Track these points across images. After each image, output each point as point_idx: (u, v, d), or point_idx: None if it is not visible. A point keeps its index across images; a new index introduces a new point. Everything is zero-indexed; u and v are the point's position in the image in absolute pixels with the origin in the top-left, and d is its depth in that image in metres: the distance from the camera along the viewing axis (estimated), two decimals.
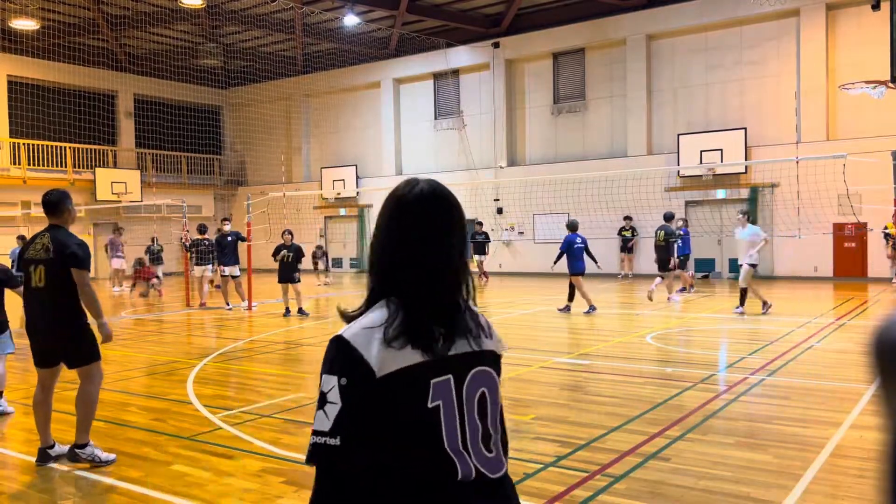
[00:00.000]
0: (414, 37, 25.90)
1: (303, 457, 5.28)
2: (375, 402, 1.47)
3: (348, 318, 1.61)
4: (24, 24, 22.99)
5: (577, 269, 13.57)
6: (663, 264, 15.05)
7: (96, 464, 5.17)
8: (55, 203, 5.22)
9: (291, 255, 14.39)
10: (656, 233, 15.33)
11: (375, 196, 27.69)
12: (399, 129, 28.26)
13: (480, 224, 23.27)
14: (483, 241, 22.59)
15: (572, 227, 13.82)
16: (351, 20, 23.59)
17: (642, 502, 4.27)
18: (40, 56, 24.26)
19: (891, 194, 18.13)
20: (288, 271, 14.36)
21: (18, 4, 21.70)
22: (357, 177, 28.46)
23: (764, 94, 21.10)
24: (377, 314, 1.54)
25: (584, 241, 13.71)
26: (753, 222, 12.87)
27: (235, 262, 15.68)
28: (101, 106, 27.00)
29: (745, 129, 20.92)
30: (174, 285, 21.88)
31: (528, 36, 24.86)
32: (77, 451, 5.19)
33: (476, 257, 22.61)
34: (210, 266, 16.56)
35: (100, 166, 26.54)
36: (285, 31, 25.91)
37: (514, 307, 14.82)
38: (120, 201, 26.07)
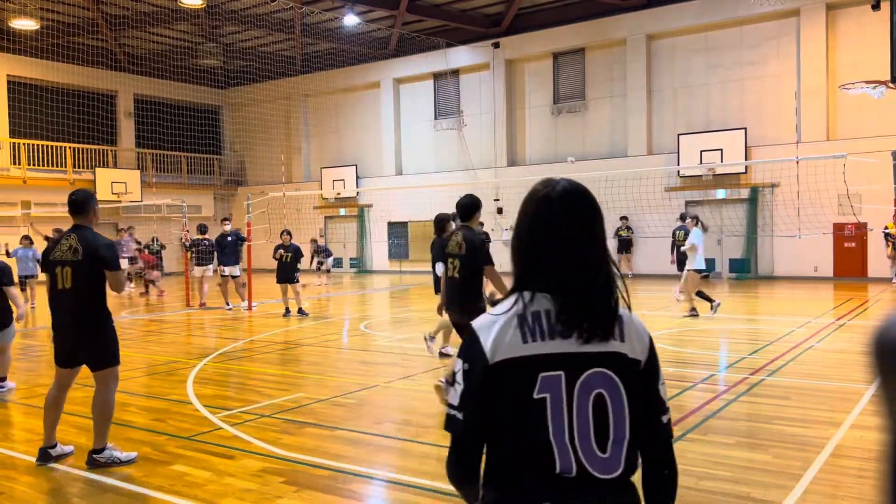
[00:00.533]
0: (414, 37, 25.90)
1: (303, 457, 5.32)
2: (490, 387, 1.60)
3: (492, 305, 1.72)
4: (24, 24, 22.99)
5: None
6: (683, 264, 14.91)
7: (117, 464, 5.14)
8: (81, 203, 5.20)
9: (290, 255, 14.39)
10: (675, 233, 15.25)
11: (375, 196, 27.71)
12: (399, 129, 28.25)
13: (481, 224, 23.27)
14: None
15: None
16: (351, 20, 23.59)
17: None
18: (40, 56, 24.25)
19: (891, 194, 18.14)
20: (286, 271, 14.36)
21: (18, 4, 21.70)
22: (357, 177, 28.46)
23: (764, 94, 21.11)
24: (506, 304, 1.66)
25: None
26: (697, 228, 12.89)
27: (236, 262, 15.68)
28: (100, 106, 27.00)
29: (745, 129, 20.92)
30: (174, 285, 21.87)
31: (528, 36, 24.86)
32: (95, 456, 5.17)
33: None
34: (210, 266, 16.56)
35: (100, 166, 26.53)
36: (285, 30, 25.91)
37: None
38: (120, 201, 26.07)
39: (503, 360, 1.58)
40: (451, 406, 1.66)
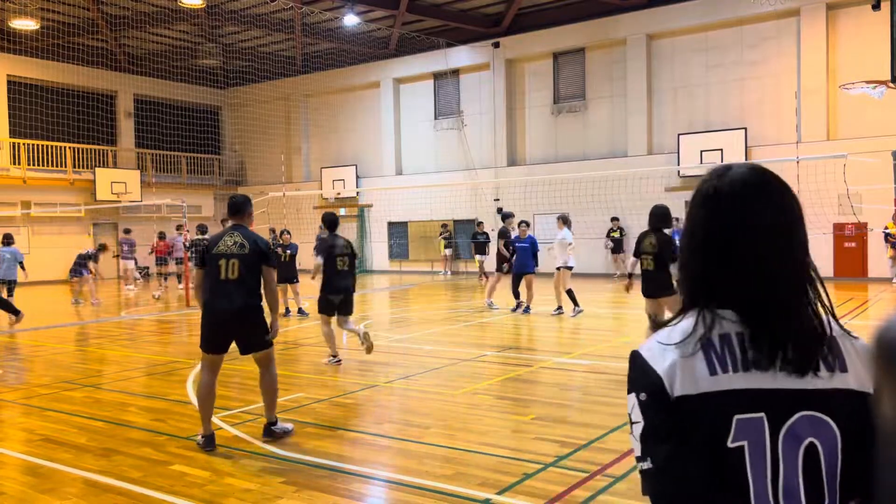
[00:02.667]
0: (414, 37, 25.90)
1: (303, 456, 5.31)
2: (677, 426, 1.26)
3: (658, 327, 1.40)
4: (24, 24, 22.99)
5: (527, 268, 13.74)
6: None
7: (288, 435, 5.73)
8: (241, 205, 5.81)
9: (290, 254, 14.38)
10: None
11: (375, 196, 27.71)
12: (399, 128, 28.25)
13: (481, 224, 23.28)
14: (484, 241, 22.60)
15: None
16: (351, 20, 23.58)
17: (642, 502, 4.26)
18: (40, 56, 24.24)
19: (891, 194, 18.14)
20: (286, 271, 14.34)
21: (18, 4, 21.69)
22: (357, 177, 28.46)
23: (764, 94, 21.11)
24: (683, 325, 1.33)
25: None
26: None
27: None
28: (100, 106, 26.99)
29: (745, 129, 20.92)
30: (173, 285, 21.85)
31: (528, 36, 24.86)
32: (272, 428, 5.74)
33: (477, 257, 22.62)
34: None
35: (100, 166, 26.53)
36: (285, 31, 25.91)
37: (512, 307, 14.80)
38: (120, 201, 26.07)
39: (683, 395, 1.26)
40: (637, 459, 1.30)
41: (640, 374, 1.31)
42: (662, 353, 1.30)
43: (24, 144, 24.79)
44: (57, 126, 25.65)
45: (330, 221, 8.83)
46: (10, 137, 24.98)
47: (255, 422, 6.29)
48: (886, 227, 18.43)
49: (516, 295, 14.01)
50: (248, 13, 24.34)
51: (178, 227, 16.61)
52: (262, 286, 5.72)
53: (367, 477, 4.92)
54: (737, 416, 1.24)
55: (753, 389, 1.25)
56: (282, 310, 14.53)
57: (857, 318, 12.23)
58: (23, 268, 14.88)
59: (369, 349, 8.88)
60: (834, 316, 1.34)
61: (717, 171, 1.37)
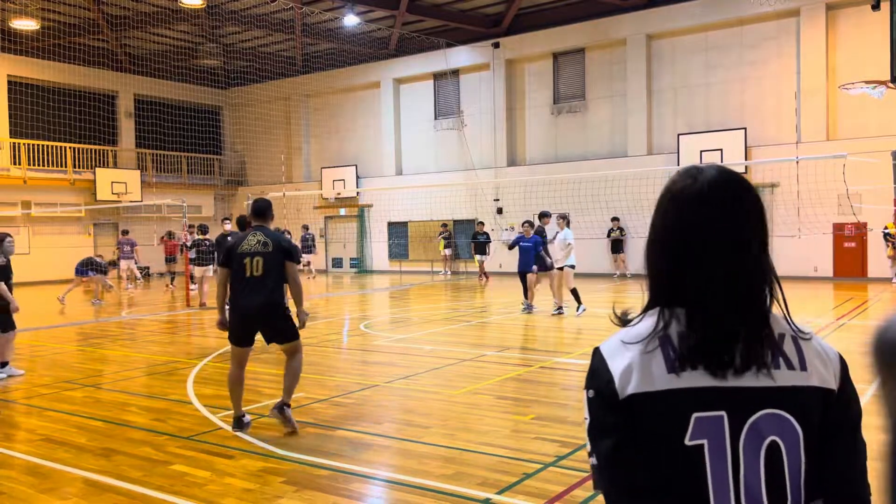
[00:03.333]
0: (414, 37, 25.90)
1: (303, 456, 5.31)
2: (622, 424, 1.26)
3: (621, 322, 1.40)
4: (24, 24, 22.99)
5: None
6: None
7: (289, 426, 5.92)
8: (264, 209, 6.22)
9: None
10: None
11: (375, 196, 27.71)
12: (399, 129, 28.25)
13: (482, 224, 23.28)
14: (484, 241, 22.61)
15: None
16: (351, 20, 23.59)
17: None
18: (40, 56, 24.25)
19: (891, 194, 18.14)
20: None
21: (18, 4, 21.70)
22: (357, 177, 28.46)
23: (764, 94, 21.11)
24: (643, 324, 1.32)
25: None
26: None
27: None
28: (101, 106, 27.00)
29: (745, 129, 20.92)
30: (174, 285, 21.86)
31: (528, 36, 24.86)
32: (286, 408, 5.96)
33: (477, 257, 22.63)
34: (211, 266, 16.56)
35: (100, 166, 26.54)
36: (285, 31, 25.91)
37: (514, 307, 14.82)
38: (120, 201, 26.08)
39: (636, 393, 1.25)
40: (588, 454, 1.32)
41: (593, 372, 1.31)
42: (621, 351, 1.29)
43: (24, 144, 24.80)
44: (57, 126, 25.66)
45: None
46: (11, 137, 24.99)
47: (255, 422, 6.29)
48: (886, 227, 18.43)
49: (526, 294, 14.04)
50: (248, 13, 24.34)
51: (191, 227, 16.48)
52: (288, 281, 6.04)
53: (367, 477, 4.92)
54: (695, 415, 1.22)
55: (713, 388, 1.24)
56: None
57: (857, 318, 12.23)
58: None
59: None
60: (789, 315, 1.34)
61: (689, 171, 1.37)
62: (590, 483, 4.57)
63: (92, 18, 23.73)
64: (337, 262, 29.44)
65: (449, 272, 25.72)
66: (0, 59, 24.82)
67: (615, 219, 21.95)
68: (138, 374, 8.79)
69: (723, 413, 1.23)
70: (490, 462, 5.06)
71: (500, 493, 4.47)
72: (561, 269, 13.31)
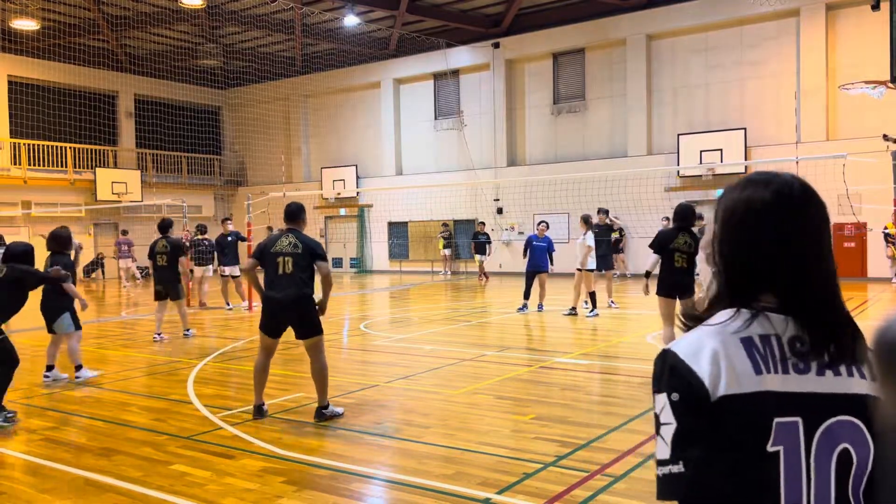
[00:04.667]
0: (414, 37, 25.91)
1: (303, 456, 5.31)
2: (710, 427, 1.22)
3: (690, 321, 1.36)
4: (25, 25, 22.99)
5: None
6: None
7: (337, 417, 6.33)
8: (296, 212, 6.61)
9: None
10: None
11: (375, 196, 27.71)
12: (399, 129, 28.26)
13: (483, 224, 23.28)
14: (485, 241, 22.60)
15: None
16: (351, 20, 23.59)
17: (642, 502, 4.28)
18: (40, 56, 24.25)
19: (891, 194, 18.14)
20: None
21: (19, 4, 21.70)
22: (357, 177, 28.47)
23: (764, 94, 21.11)
24: (722, 322, 1.30)
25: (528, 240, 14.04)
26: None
27: (235, 262, 15.69)
28: (101, 106, 27.00)
29: (745, 129, 20.93)
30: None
31: (528, 36, 24.87)
32: (323, 411, 6.34)
33: (477, 257, 22.63)
34: (210, 266, 16.58)
35: (100, 166, 26.54)
36: (285, 31, 25.91)
37: (514, 307, 14.81)
38: (120, 201, 26.08)
39: (728, 395, 1.21)
40: (661, 463, 1.24)
41: (673, 373, 1.26)
42: (702, 351, 1.25)
43: (24, 144, 24.80)
44: (57, 126, 25.66)
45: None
46: (11, 138, 25.00)
47: (256, 422, 6.30)
48: (886, 227, 18.43)
49: (527, 295, 14.03)
50: (248, 13, 24.35)
51: (201, 228, 16.44)
52: (319, 279, 6.52)
53: (367, 477, 4.92)
54: (776, 420, 1.20)
55: (791, 392, 1.22)
56: None
57: (856, 318, 12.20)
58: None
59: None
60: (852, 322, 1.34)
61: (765, 177, 1.36)
62: (590, 483, 4.58)
63: (92, 18, 23.73)
64: (337, 262, 29.43)
65: (449, 272, 25.72)
66: (0, 59, 24.83)
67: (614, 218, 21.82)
68: (139, 374, 8.80)
69: (798, 419, 1.22)
70: (490, 462, 5.06)
71: (500, 492, 4.47)
72: (579, 270, 13.31)
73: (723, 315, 1.31)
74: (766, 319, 1.27)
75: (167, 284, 11.49)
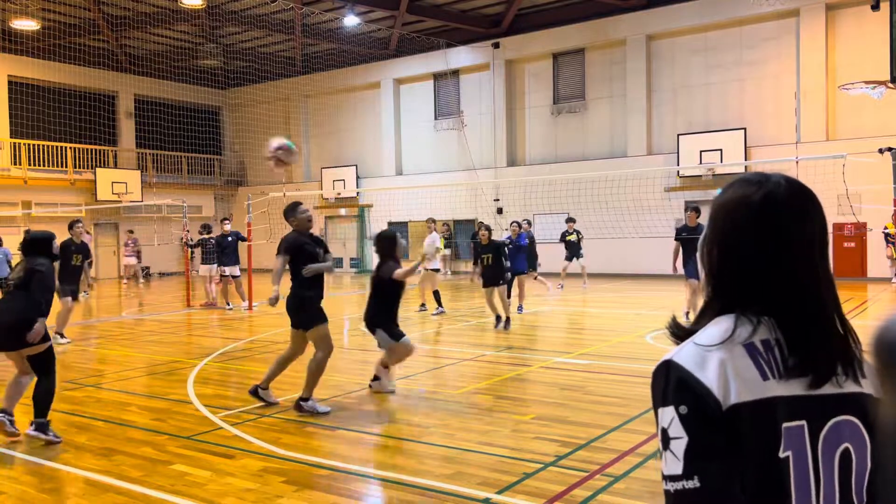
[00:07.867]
0: (414, 37, 25.91)
1: (303, 456, 5.31)
2: (722, 438, 1.17)
3: (680, 333, 1.31)
4: (25, 25, 22.99)
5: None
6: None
7: (315, 414, 6.36)
8: (285, 212, 7.03)
9: None
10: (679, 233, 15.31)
11: (375, 196, 27.71)
12: (399, 129, 28.26)
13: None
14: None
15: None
16: (351, 20, 23.60)
17: (642, 502, 4.28)
18: (41, 56, 24.25)
19: (891, 194, 18.12)
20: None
21: (19, 4, 21.70)
22: (357, 177, 28.47)
23: (764, 94, 21.12)
24: (717, 330, 1.25)
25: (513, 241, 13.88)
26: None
27: (236, 262, 15.69)
28: (101, 106, 27.00)
29: (745, 129, 20.93)
30: (174, 285, 21.86)
31: (528, 36, 24.87)
32: (301, 402, 6.48)
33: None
34: (214, 265, 16.57)
35: (100, 166, 26.54)
36: (285, 31, 25.91)
37: (513, 307, 14.80)
38: (120, 201, 26.08)
39: (740, 403, 1.17)
40: (670, 479, 1.18)
41: (680, 385, 1.20)
42: (705, 359, 1.21)
43: (24, 145, 24.80)
44: (58, 126, 25.66)
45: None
46: (11, 138, 25.00)
47: (256, 421, 6.30)
48: (886, 227, 18.43)
49: (509, 295, 13.94)
50: (248, 14, 24.35)
51: (207, 227, 16.33)
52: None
53: (367, 477, 4.93)
54: (784, 425, 1.19)
55: (795, 396, 1.21)
56: (282, 309, 14.50)
57: (856, 318, 12.24)
58: (11, 268, 14.80)
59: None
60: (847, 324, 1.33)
61: (759, 178, 1.32)
62: (590, 483, 4.58)
63: (92, 18, 23.73)
64: (337, 262, 29.44)
65: (449, 272, 25.72)
66: (0, 59, 24.83)
67: (571, 220, 19.30)
68: (139, 374, 8.80)
69: (803, 422, 1.20)
70: (490, 462, 5.06)
71: (500, 492, 4.47)
72: (427, 270, 13.93)
73: (721, 322, 1.27)
74: (765, 324, 1.25)
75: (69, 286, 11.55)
